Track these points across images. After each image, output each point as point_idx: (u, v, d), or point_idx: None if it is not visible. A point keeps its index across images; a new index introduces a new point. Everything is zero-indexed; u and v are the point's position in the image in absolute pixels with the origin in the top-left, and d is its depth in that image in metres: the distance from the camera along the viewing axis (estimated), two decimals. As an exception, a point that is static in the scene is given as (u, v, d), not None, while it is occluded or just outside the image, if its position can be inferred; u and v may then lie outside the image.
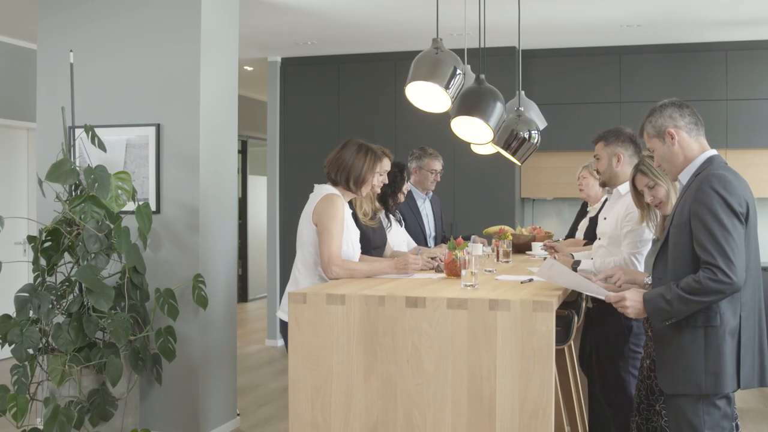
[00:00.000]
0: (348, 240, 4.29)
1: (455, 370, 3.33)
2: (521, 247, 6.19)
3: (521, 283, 3.92)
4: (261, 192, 13.35)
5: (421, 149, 6.14)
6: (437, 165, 6.10)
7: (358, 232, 4.48)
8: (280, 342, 9.47)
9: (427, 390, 3.36)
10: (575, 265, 4.40)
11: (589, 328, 4.93)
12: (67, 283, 5.33)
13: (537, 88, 8.58)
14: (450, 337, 3.33)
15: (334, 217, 4.17)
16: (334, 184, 4.38)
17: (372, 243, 4.78)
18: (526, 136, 5.14)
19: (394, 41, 8.53)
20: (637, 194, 3.99)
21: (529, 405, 3.26)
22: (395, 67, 8.95)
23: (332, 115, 9.17)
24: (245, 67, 10.03)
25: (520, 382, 3.27)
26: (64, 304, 5.29)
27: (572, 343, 4.77)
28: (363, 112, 9.09)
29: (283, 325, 4.28)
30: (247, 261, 13.31)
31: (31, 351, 5.15)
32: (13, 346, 5.06)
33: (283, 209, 9.41)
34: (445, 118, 4.77)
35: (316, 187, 4.39)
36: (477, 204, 8.76)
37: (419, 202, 6.07)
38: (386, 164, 4.73)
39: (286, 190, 9.41)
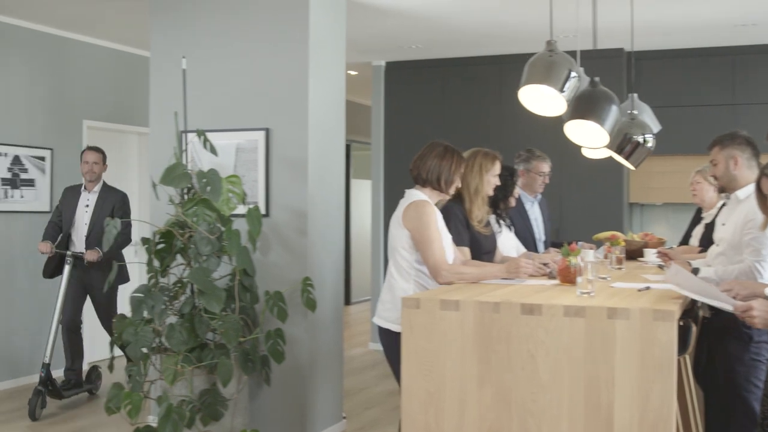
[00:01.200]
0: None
1: (572, 379, 3.26)
2: (632, 254, 6.05)
3: (638, 291, 3.82)
4: (363, 196, 13.41)
5: (528, 151, 6.06)
6: (545, 167, 6.00)
7: (450, 236, 4.45)
8: (383, 345, 9.47)
9: (542, 399, 3.30)
10: (694, 273, 4.27)
11: (704, 339, 4.77)
12: (179, 285, 5.43)
13: (644, 90, 8.38)
14: (567, 346, 3.27)
15: (427, 223, 4.18)
16: (423, 185, 4.38)
17: (483, 248, 4.74)
18: (641, 140, 5.01)
19: (498, 44, 8.46)
20: (762, 199, 3.83)
21: (648, 417, 3.17)
22: (500, 70, 8.87)
23: (436, 119, 9.14)
24: (349, 72, 10.08)
25: (640, 393, 3.18)
26: (176, 305, 5.39)
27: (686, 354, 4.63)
28: (467, 116, 9.03)
29: (381, 331, 4.31)
30: (349, 264, 13.38)
31: (145, 350, 5.26)
32: (128, 345, 5.18)
33: (387, 213, 9.42)
34: (551, 121, 4.70)
35: (407, 192, 4.39)
36: (583, 209, 8.60)
37: (527, 206, 5.98)
38: (498, 167, 4.70)
39: (389, 194, 9.43)
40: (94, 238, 6.89)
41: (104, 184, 7.14)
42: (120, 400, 5.16)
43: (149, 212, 6.42)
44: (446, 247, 4.32)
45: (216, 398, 5.23)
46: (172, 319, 5.44)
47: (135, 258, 8.61)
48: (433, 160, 4.37)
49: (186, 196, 5.43)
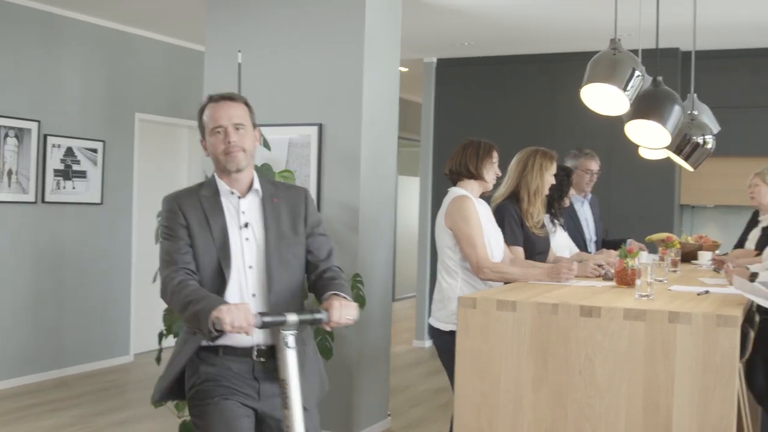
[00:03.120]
0: (486, 242, 4.24)
1: (630, 383, 3.20)
2: (685, 256, 5.96)
3: (698, 294, 3.74)
4: (409, 192, 13.38)
5: (577, 149, 6.01)
6: (592, 165, 5.93)
7: (500, 233, 4.42)
8: (428, 343, 9.47)
9: (599, 403, 3.24)
10: (752, 278, 4.18)
11: (759, 343, 4.68)
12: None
13: (699, 90, 8.24)
14: (626, 349, 3.20)
15: (467, 219, 4.16)
16: (460, 178, 4.38)
17: (536, 248, 4.69)
18: (700, 141, 4.93)
19: (551, 43, 8.37)
20: None
21: (708, 425, 3.10)
22: (551, 69, 8.78)
23: (487, 118, 9.08)
24: (400, 68, 10.03)
25: (700, 399, 3.11)
26: (226, 299, 5.36)
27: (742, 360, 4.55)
28: (518, 115, 8.96)
29: (434, 331, 4.28)
30: (394, 261, 13.34)
31: (194, 343, 5.25)
32: (177, 337, 5.18)
33: (435, 210, 9.34)
34: (604, 121, 4.63)
35: (449, 191, 4.38)
36: (634, 209, 8.48)
37: (577, 206, 5.91)
38: (554, 167, 4.66)
39: (438, 192, 9.39)
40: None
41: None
42: (167, 393, 5.17)
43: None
44: (494, 245, 4.28)
45: (264, 393, 5.22)
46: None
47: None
48: (457, 153, 4.39)
49: (238, 190, 5.42)
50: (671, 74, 7.81)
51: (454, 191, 4.35)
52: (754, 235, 5.79)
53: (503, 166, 4.46)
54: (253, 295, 3.05)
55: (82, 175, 7.91)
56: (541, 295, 3.54)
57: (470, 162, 4.32)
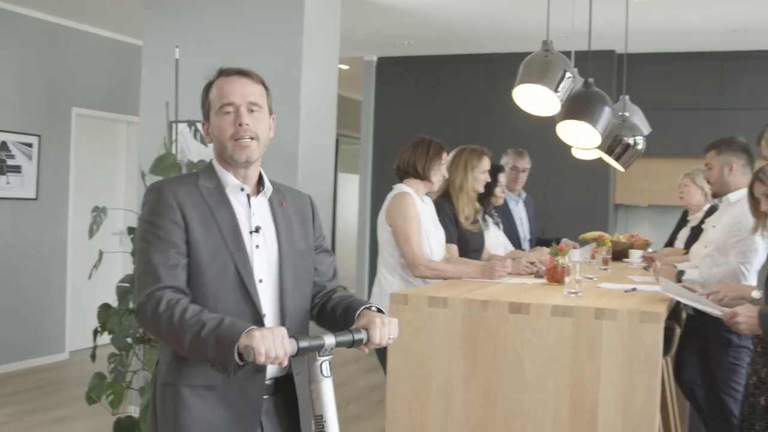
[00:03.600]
0: (425, 239, 4.29)
1: (558, 379, 3.27)
2: (618, 255, 6.08)
3: (625, 292, 3.83)
4: (350, 190, 13.40)
5: (512, 149, 6.12)
6: (519, 162, 6.02)
7: (440, 231, 4.47)
8: (367, 340, 9.48)
9: (528, 398, 3.31)
10: (679, 276, 4.29)
11: (686, 339, 4.80)
12: (165, 275, 5.38)
13: (633, 92, 8.38)
14: (553, 345, 3.28)
15: (405, 216, 4.21)
16: (406, 176, 4.43)
17: (471, 246, 4.75)
18: (631, 141, 5.04)
19: (490, 43, 8.46)
20: (754, 202, 3.85)
21: (632, 418, 3.18)
22: (491, 69, 8.87)
23: (426, 116, 9.13)
24: (340, 66, 10.05)
25: (624, 394, 3.19)
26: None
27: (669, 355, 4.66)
28: (457, 114, 9.03)
29: None
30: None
31: (129, 340, 5.23)
32: (112, 335, 5.15)
33: (375, 208, 9.41)
34: (541, 120, 4.71)
35: (394, 187, 4.43)
36: (569, 208, 8.61)
37: (512, 205, 5.99)
38: (486, 164, 4.72)
39: (377, 189, 9.42)
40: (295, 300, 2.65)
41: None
42: (102, 390, 5.13)
43: (136, 201, 6.40)
44: (433, 243, 4.33)
45: (199, 390, 5.20)
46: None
47: (120, 247, 8.63)
48: (407, 151, 4.44)
49: (175, 187, 5.39)
50: (607, 76, 7.96)
51: (397, 188, 4.40)
52: (683, 234, 5.92)
53: (442, 164, 4.51)
54: (263, 316, 2.50)
55: (16, 169, 7.79)
56: (472, 292, 3.59)
57: (418, 162, 4.37)
